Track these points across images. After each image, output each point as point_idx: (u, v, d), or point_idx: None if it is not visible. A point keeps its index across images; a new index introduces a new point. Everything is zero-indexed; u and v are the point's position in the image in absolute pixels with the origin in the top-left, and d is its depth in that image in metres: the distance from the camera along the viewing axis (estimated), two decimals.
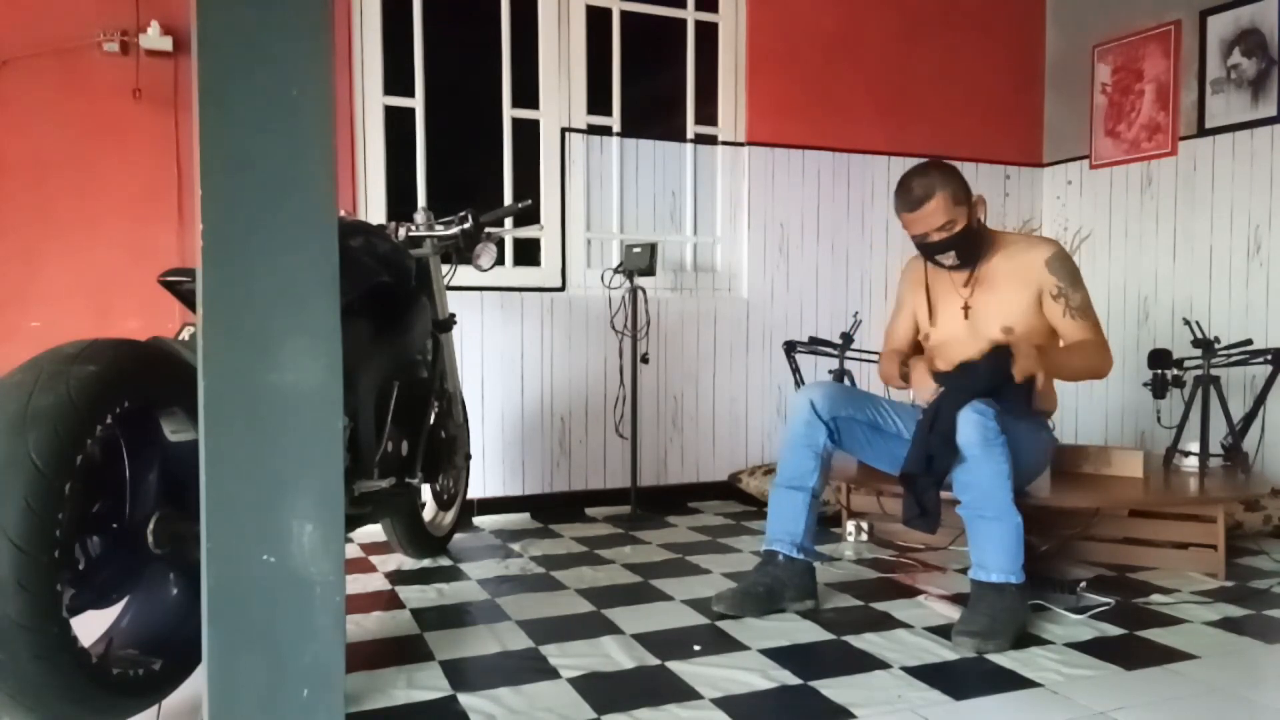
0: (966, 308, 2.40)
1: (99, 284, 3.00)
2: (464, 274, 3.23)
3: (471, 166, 3.68)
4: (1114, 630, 2.14)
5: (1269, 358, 3.01)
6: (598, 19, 3.68)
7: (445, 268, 2.82)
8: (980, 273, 2.39)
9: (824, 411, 2.33)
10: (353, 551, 2.90)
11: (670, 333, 3.74)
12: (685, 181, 3.87)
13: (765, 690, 1.79)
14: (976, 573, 2.13)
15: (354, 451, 2.09)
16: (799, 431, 2.35)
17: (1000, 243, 2.39)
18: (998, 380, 2.17)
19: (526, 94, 3.61)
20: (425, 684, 1.81)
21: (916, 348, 2.58)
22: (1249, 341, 3.09)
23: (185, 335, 1.86)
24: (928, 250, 2.34)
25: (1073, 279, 2.33)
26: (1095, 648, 2.02)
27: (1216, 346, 3.08)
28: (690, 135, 3.85)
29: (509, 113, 3.58)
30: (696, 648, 2.01)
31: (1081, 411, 4.20)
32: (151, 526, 1.56)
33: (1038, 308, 2.34)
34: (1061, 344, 2.36)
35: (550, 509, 3.54)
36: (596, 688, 1.80)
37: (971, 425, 2.07)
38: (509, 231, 3.57)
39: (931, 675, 1.86)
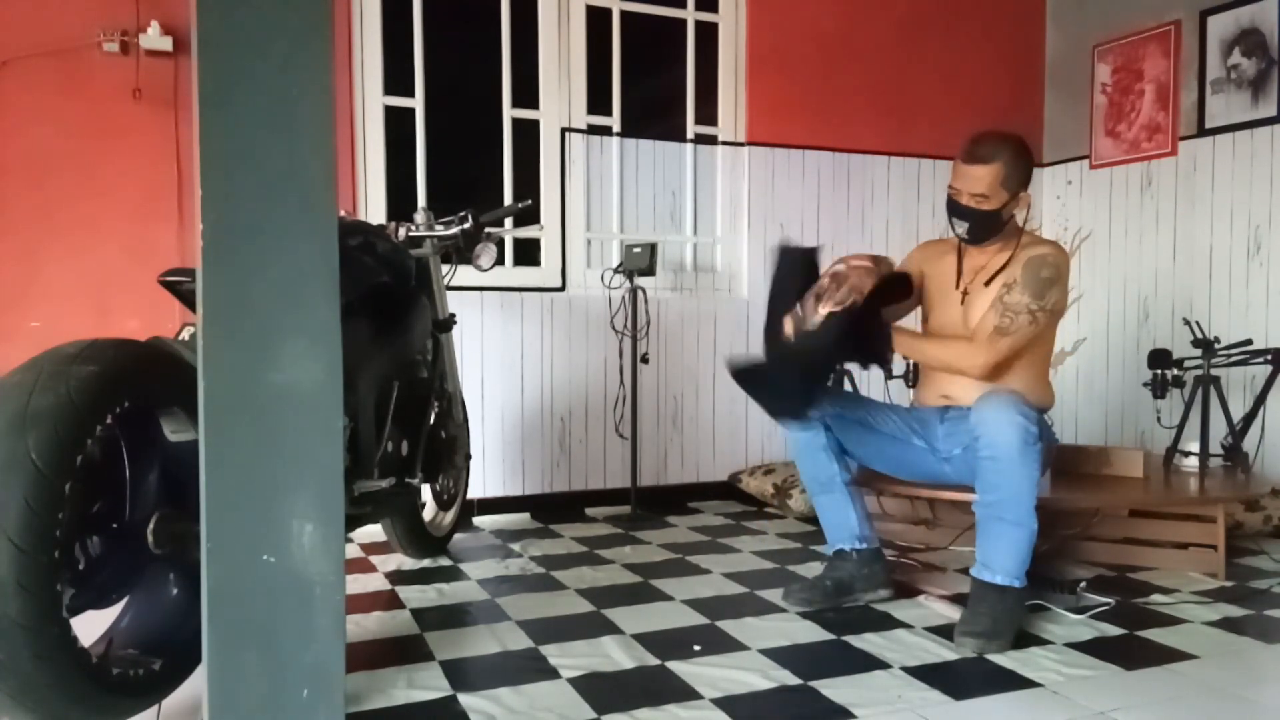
0: (965, 294, 2.37)
1: (99, 284, 3.00)
2: (464, 274, 3.23)
3: (471, 166, 3.68)
4: (1114, 630, 2.14)
5: (1269, 358, 3.01)
6: (598, 19, 3.68)
7: (445, 268, 2.82)
8: (989, 265, 2.33)
9: (813, 412, 2.33)
10: (353, 551, 2.90)
11: (670, 333, 3.74)
12: (685, 181, 3.87)
13: (765, 690, 1.79)
14: (980, 572, 2.12)
15: (354, 451, 2.09)
16: (799, 439, 2.36)
17: (1022, 244, 2.32)
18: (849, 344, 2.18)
19: (526, 94, 3.61)
20: (425, 684, 1.81)
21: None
22: (1249, 341, 3.09)
23: (185, 335, 1.86)
24: (951, 206, 2.30)
25: (1035, 284, 2.21)
26: (1095, 648, 2.02)
27: (1216, 346, 3.08)
28: (690, 135, 3.85)
29: (509, 113, 3.58)
30: (696, 648, 2.01)
31: (1081, 411, 4.20)
32: (151, 526, 1.56)
33: None
34: (967, 325, 2.32)
35: (550, 509, 3.54)
36: (596, 688, 1.80)
37: (1012, 428, 2.02)
38: (509, 231, 3.57)
39: (931, 675, 1.86)
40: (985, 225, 2.27)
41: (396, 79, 3.42)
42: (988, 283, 2.32)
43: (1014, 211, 2.28)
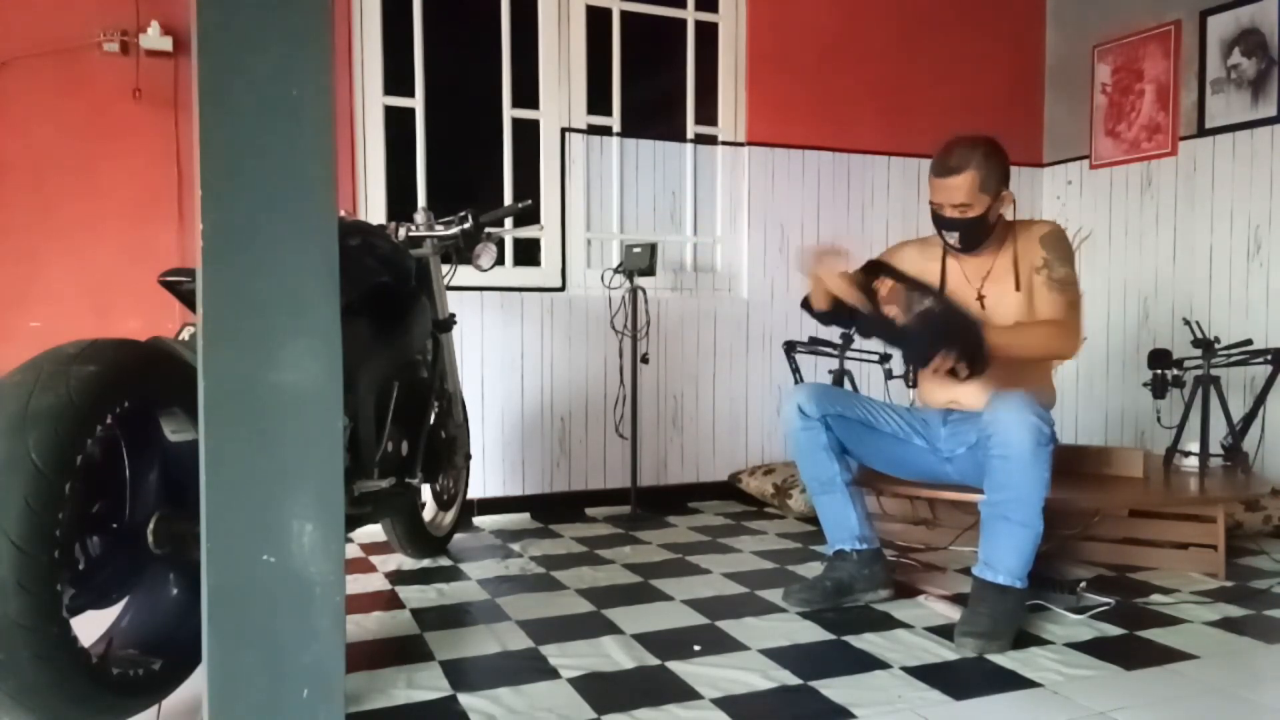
0: (981, 298, 2.36)
1: (99, 284, 3.00)
2: (464, 274, 3.23)
3: (471, 166, 3.68)
4: (1114, 630, 2.14)
5: (1269, 358, 3.01)
6: (598, 19, 3.68)
7: (445, 268, 2.82)
8: (996, 266, 2.35)
9: (813, 411, 2.33)
10: (353, 551, 2.90)
11: (670, 333, 3.74)
12: (685, 181, 3.87)
13: (765, 690, 1.79)
14: (983, 570, 2.12)
15: (354, 451, 2.09)
16: (800, 438, 2.36)
17: (1016, 234, 2.35)
18: (962, 345, 2.04)
19: (526, 94, 3.61)
20: (425, 684, 1.81)
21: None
22: (1249, 341, 3.09)
23: (185, 335, 1.86)
24: (937, 221, 2.31)
25: (1061, 254, 2.28)
26: (1095, 648, 2.02)
27: (1216, 346, 3.08)
28: (690, 135, 3.85)
29: (509, 113, 3.58)
30: (696, 648, 2.01)
31: (1081, 411, 4.20)
32: (151, 526, 1.56)
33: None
34: (1035, 316, 2.28)
35: (550, 509, 3.54)
36: (596, 688, 1.80)
37: (1026, 428, 2.01)
38: (509, 231, 3.57)
39: (931, 675, 1.86)
40: (975, 232, 2.28)
41: (396, 79, 3.42)
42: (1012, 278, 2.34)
43: (999, 212, 2.29)
